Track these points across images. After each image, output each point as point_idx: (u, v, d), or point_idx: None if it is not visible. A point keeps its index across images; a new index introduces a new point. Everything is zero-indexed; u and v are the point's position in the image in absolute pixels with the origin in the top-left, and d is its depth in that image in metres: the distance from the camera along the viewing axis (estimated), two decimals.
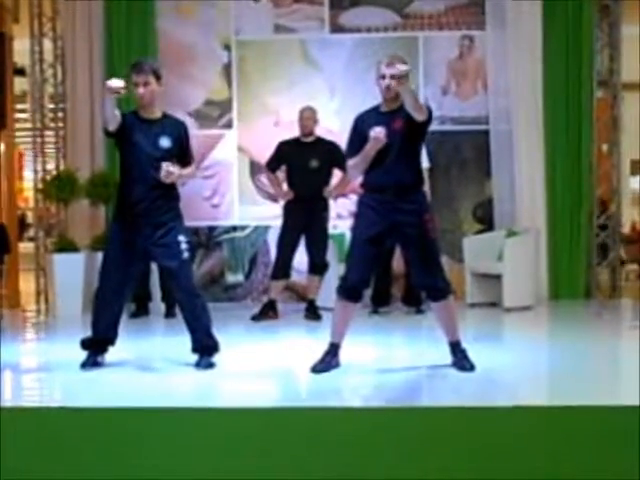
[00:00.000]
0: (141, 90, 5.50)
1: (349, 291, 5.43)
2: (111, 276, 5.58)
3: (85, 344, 5.68)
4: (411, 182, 5.41)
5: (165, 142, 5.54)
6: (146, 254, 5.64)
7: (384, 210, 5.36)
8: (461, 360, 5.44)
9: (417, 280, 5.71)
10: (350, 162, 5.51)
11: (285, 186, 7.94)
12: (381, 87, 5.34)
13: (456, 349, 5.50)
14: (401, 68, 5.09)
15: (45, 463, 3.62)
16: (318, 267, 7.76)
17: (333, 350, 5.50)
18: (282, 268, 7.80)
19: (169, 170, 5.43)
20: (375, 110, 5.49)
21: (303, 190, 7.74)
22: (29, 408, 4.79)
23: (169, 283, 5.96)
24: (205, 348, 5.63)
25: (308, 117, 7.76)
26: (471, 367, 5.39)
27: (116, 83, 5.24)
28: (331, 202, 8.02)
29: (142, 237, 5.53)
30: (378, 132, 5.24)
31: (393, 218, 5.36)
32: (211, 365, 5.59)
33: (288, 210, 7.87)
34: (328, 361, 5.47)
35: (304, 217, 7.72)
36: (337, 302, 5.52)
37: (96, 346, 5.68)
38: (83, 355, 5.63)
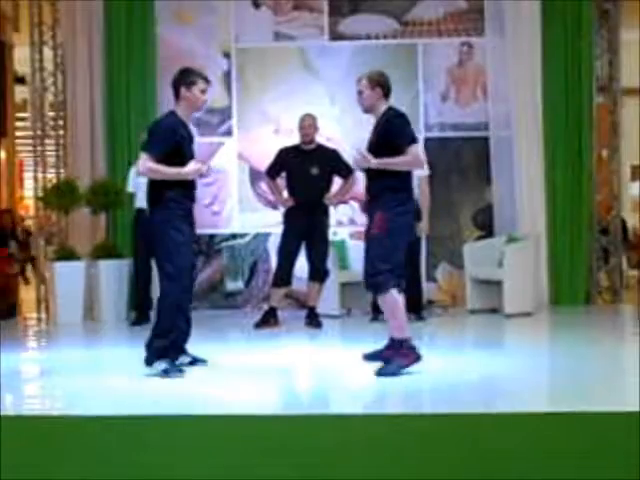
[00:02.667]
0: (206, 97, 5.85)
1: (400, 279, 5.47)
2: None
3: (158, 352, 5.61)
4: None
5: None
6: None
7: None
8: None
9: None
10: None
11: (285, 193, 7.95)
12: None
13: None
14: (362, 82, 5.61)
15: (46, 471, 3.62)
16: (319, 274, 7.76)
17: (411, 346, 5.47)
18: (283, 275, 7.79)
19: None
20: None
21: (303, 197, 7.74)
22: (30, 416, 4.79)
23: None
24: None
25: (309, 124, 7.75)
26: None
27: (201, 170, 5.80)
28: (331, 209, 8.03)
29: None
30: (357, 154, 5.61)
31: None
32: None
33: (289, 217, 7.86)
34: (409, 355, 5.44)
35: (305, 224, 7.71)
36: (393, 296, 5.44)
37: (171, 351, 5.67)
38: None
